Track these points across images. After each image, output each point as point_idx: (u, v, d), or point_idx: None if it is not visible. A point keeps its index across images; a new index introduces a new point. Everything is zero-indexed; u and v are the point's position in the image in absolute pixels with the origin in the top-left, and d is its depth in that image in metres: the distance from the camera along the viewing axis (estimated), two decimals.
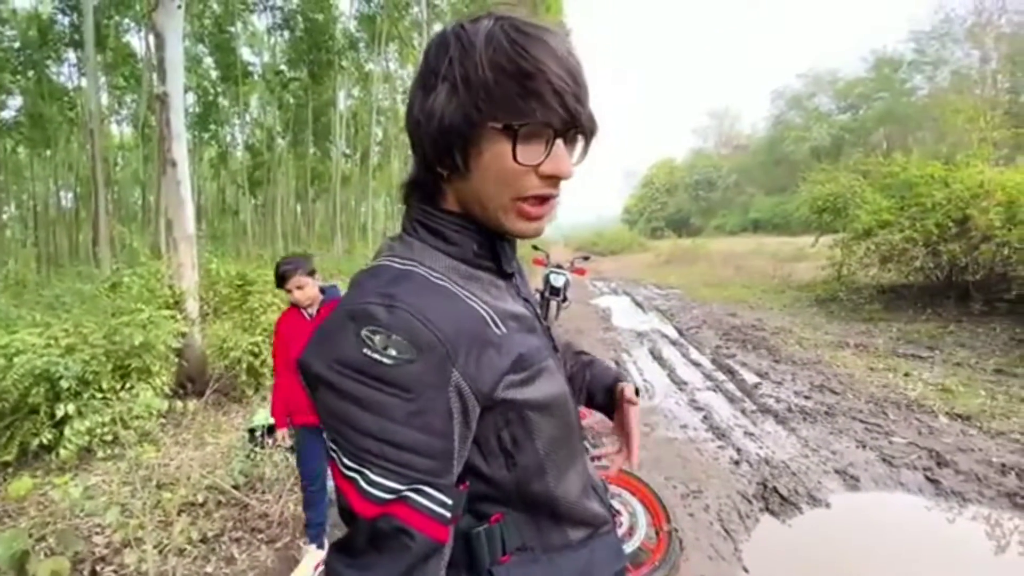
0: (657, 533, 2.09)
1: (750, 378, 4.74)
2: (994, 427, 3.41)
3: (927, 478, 2.83)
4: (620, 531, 2.08)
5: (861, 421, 3.62)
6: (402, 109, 24.37)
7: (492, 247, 0.58)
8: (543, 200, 0.54)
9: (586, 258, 7.48)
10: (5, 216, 21.31)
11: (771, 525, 2.51)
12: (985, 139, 13.17)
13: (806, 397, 4.17)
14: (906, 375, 4.60)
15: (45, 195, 20.90)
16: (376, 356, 0.45)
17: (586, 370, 0.86)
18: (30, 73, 15.05)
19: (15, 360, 3.07)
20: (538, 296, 6.75)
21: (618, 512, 2.13)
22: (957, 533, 2.45)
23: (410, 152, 0.57)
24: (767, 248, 17.28)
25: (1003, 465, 2.89)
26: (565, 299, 6.81)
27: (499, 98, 0.48)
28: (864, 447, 3.23)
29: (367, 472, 0.45)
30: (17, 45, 14.67)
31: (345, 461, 0.46)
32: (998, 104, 22.42)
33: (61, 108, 16.18)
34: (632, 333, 7.09)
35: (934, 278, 7.38)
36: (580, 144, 0.56)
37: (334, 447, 0.48)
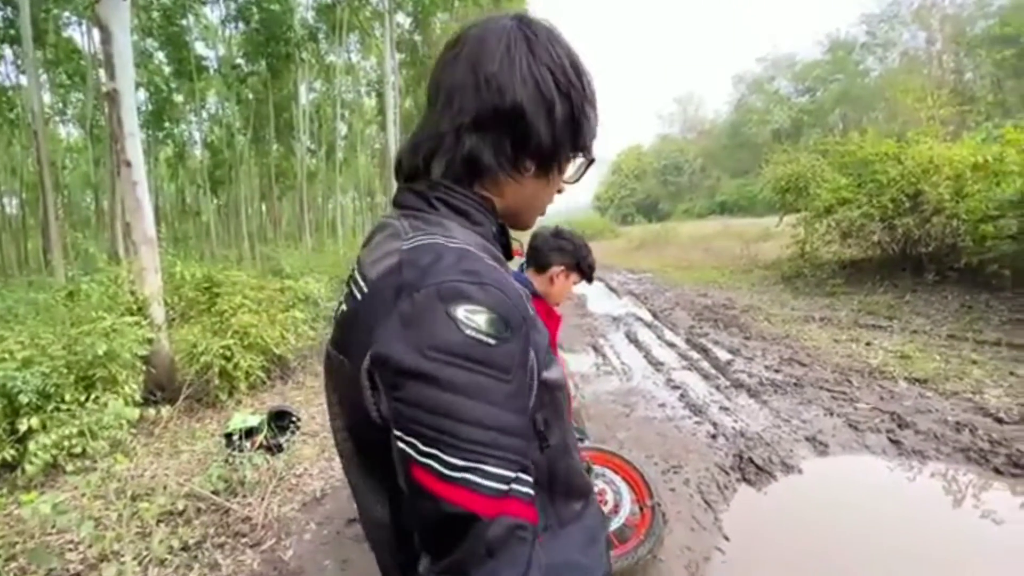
0: (641, 509, 2.15)
1: (723, 355, 4.89)
2: (948, 388, 3.61)
3: (890, 440, 2.99)
4: (605, 509, 2.13)
5: (828, 390, 3.79)
6: (367, 102, 23.78)
7: (503, 232, 0.61)
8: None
9: None
10: None
11: (748, 494, 2.61)
12: (933, 117, 13.78)
13: (776, 371, 4.33)
14: (868, 344, 4.82)
15: None
16: (480, 337, 0.43)
17: None
18: None
19: None
20: None
21: (603, 490, 2.17)
22: (919, 489, 2.60)
23: (454, 128, 0.54)
24: (734, 229, 17.72)
25: (957, 423, 3.07)
26: None
27: (590, 132, 0.58)
28: (831, 414, 3.38)
29: (484, 466, 0.42)
30: None
31: (454, 462, 0.41)
32: (944, 83, 23.48)
33: None
34: (608, 318, 7.20)
35: (891, 251, 7.72)
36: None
37: (435, 451, 0.42)
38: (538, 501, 0.48)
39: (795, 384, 3.97)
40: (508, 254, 0.61)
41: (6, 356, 3.27)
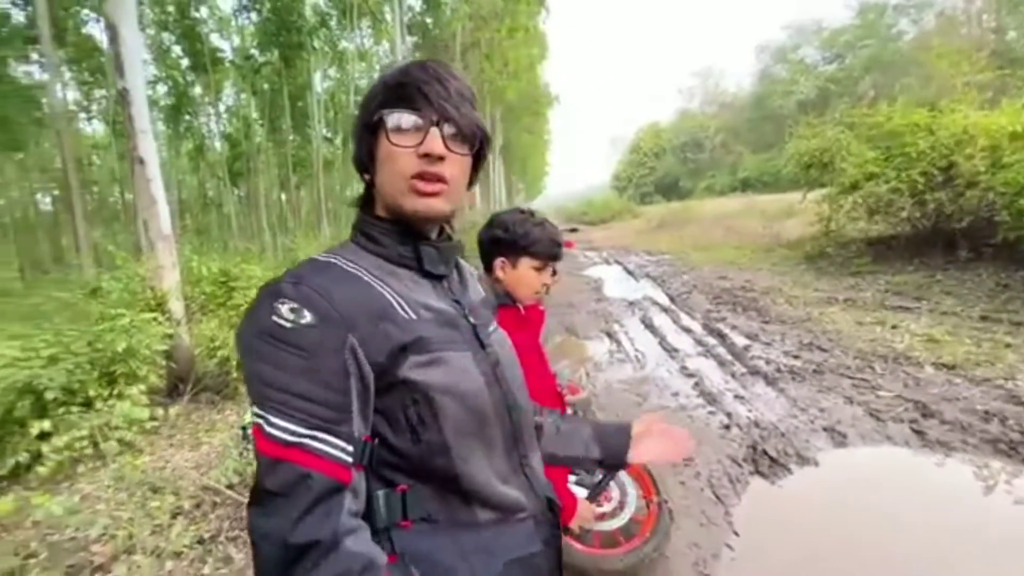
0: (647, 505, 2.11)
1: (740, 341, 4.77)
2: (978, 374, 3.46)
3: (913, 430, 2.88)
4: (610, 506, 2.11)
5: (849, 377, 3.66)
6: None
7: (415, 250, 0.68)
8: (430, 178, 0.63)
9: (573, 230, 7.44)
10: None
11: (761, 487, 2.55)
12: (970, 83, 13.00)
13: (795, 356, 4.21)
14: (893, 327, 4.64)
15: (23, 201, 20.42)
16: (279, 321, 0.55)
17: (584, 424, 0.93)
18: None
19: None
20: None
21: (608, 488, 2.15)
22: (943, 483, 2.50)
23: None
24: (757, 207, 17.22)
25: (986, 412, 2.94)
26: (555, 273, 6.78)
27: (381, 102, 0.64)
28: (851, 403, 3.27)
29: (269, 416, 0.53)
30: None
31: (256, 411, 0.55)
32: (984, 45, 22.08)
33: (26, 108, 15.62)
34: (623, 302, 7.10)
35: (921, 228, 7.39)
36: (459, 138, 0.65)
37: (256, 408, 0.55)
38: (417, 490, 0.61)
39: (814, 371, 3.85)
40: (426, 267, 0.68)
41: (32, 354, 3.39)
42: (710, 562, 2.04)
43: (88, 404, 3.25)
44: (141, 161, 4.48)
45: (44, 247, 18.81)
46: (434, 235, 0.70)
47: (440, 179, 0.63)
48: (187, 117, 18.88)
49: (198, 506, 2.55)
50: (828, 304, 5.78)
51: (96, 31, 15.53)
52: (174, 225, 4.80)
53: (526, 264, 1.28)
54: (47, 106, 13.31)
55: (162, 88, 18.35)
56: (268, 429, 0.53)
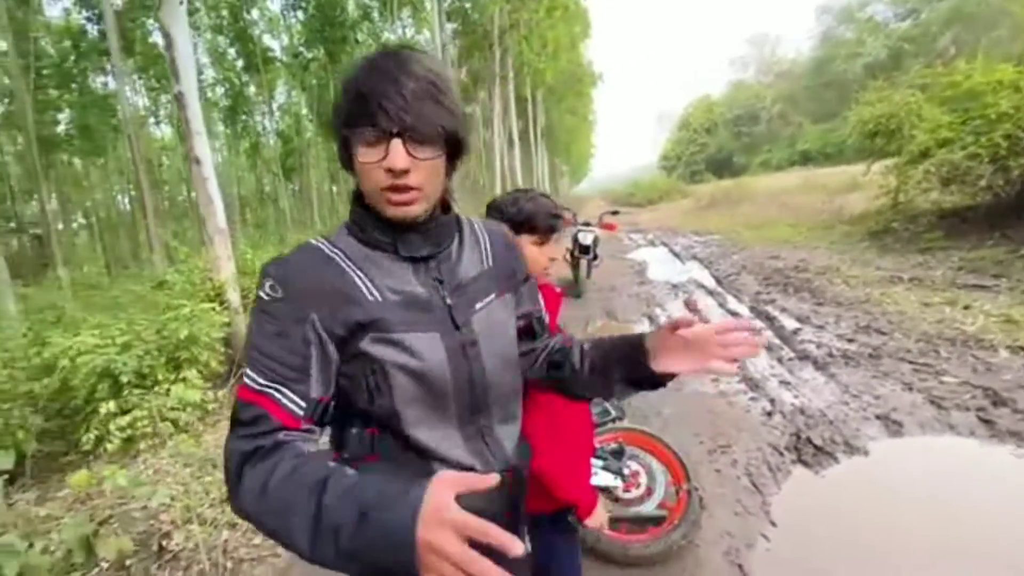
0: (677, 492, 2.08)
1: (789, 324, 4.54)
2: None
3: (980, 419, 2.66)
4: (638, 492, 2.09)
5: (909, 362, 3.41)
6: None
7: (393, 235, 0.72)
8: (399, 189, 0.66)
9: (615, 212, 7.23)
10: (75, 225, 23.05)
11: (803, 477, 2.44)
12: None
13: (849, 340, 3.95)
14: (965, 308, 4.25)
15: (106, 202, 22.31)
16: (263, 294, 0.68)
17: (596, 348, 0.88)
18: (72, 85, 15.77)
19: (78, 360, 3.37)
20: (567, 256, 6.71)
21: (636, 472, 2.13)
22: (1011, 477, 2.30)
23: None
24: (817, 181, 16.14)
25: None
26: (596, 256, 6.68)
27: (345, 116, 0.67)
28: (911, 389, 3.05)
29: (247, 369, 0.67)
30: (57, 60, 15.35)
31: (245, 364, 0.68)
32: None
33: (104, 116, 16.97)
34: (667, 285, 6.91)
35: (1003, 196, 6.68)
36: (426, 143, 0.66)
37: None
38: (384, 437, 0.71)
39: (870, 355, 3.61)
40: (401, 251, 0.73)
41: (109, 341, 3.74)
42: (743, 552, 1.98)
43: (153, 387, 3.55)
44: (197, 161, 4.78)
45: (124, 244, 20.52)
46: (423, 218, 0.72)
47: (409, 188, 0.66)
48: (243, 116, 19.84)
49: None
50: (891, 283, 5.38)
51: (160, 40, 16.54)
52: (233, 220, 5.10)
53: (526, 241, 1.27)
54: (120, 113, 14.40)
55: (220, 90, 19.40)
56: (245, 379, 0.66)
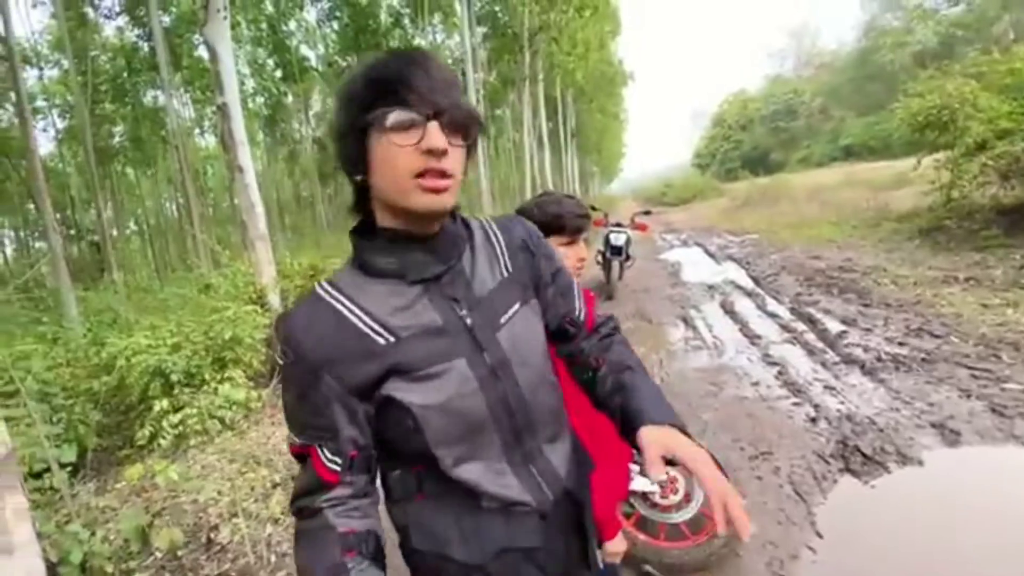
0: None
1: (834, 327, 4.35)
2: None
3: None
4: (676, 497, 2.04)
5: (967, 367, 3.22)
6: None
7: (399, 257, 0.67)
8: (436, 173, 0.61)
9: (647, 212, 7.12)
10: (128, 231, 24.40)
11: (851, 486, 2.34)
12: None
13: (900, 344, 3.76)
14: None
15: (156, 209, 23.50)
16: (279, 356, 0.68)
17: (616, 396, 0.78)
18: (126, 99, 16.73)
19: (133, 360, 3.56)
20: (599, 258, 6.65)
21: (674, 478, 2.08)
22: None
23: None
24: (860, 176, 15.48)
25: None
26: (628, 257, 6.60)
27: (369, 100, 0.60)
28: (969, 396, 2.88)
29: (287, 427, 0.70)
30: (112, 76, 16.32)
31: None
32: None
33: (154, 128, 17.92)
34: (702, 287, 6.75)
35: None
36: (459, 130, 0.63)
37: None
38: (430, 473, 0.68)
39: (923, 360, 3.43)
40: (411, 277, 0.69)
41: (160, 342, 3.93)
42: (787, 563, 1.91)
43: (202, 386, 3.72)
44: (240, 169, 4.98)
45: (172, 249, 21.56)
46: (436, 228, 0.68)
47: (445, 174, 0.62)
48: (281, 124, 20.57)
49: (293, 478, 2.83)
50: (945, 284, 5.09)
51: (205, 54, 17.33)
52: (273, 225, 5.29)
53: (554, 242, 1.24)
54: (169, 124, 15.15)
55: (260, 99, 20.15)
56: (290, 438, 0.70)
